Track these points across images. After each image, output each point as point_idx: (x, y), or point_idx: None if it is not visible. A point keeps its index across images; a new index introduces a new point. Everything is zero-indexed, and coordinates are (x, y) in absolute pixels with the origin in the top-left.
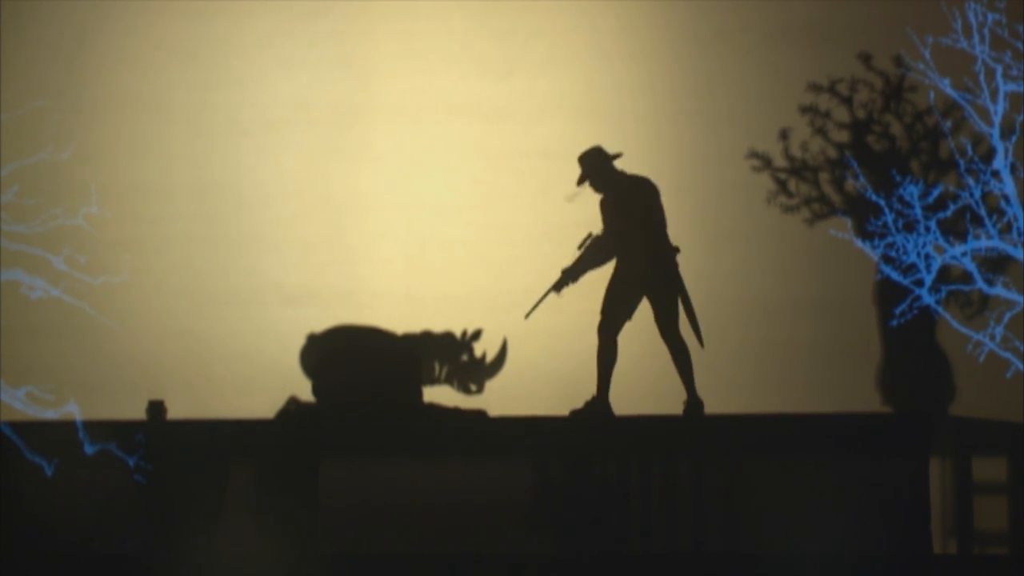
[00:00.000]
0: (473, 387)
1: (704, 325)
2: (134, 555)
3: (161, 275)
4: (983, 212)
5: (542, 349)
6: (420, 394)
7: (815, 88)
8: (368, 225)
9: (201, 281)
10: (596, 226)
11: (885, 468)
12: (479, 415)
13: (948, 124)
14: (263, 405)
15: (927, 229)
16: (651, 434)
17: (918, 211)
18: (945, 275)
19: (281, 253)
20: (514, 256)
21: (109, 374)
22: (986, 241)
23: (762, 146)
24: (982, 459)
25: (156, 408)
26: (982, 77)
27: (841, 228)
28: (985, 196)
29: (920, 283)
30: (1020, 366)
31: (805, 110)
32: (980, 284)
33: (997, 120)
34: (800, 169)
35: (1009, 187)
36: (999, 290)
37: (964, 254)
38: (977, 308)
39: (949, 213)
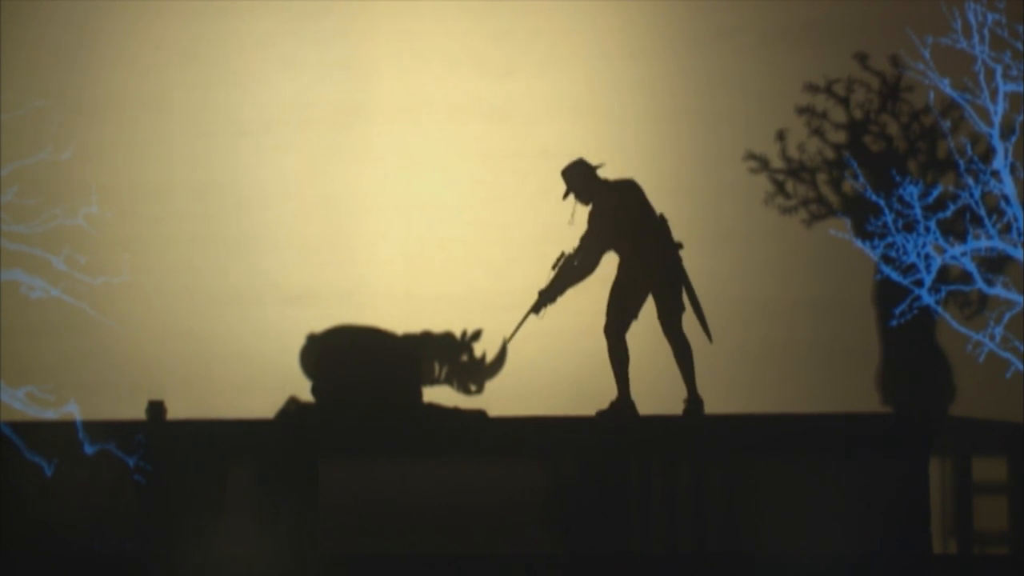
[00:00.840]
0: (473, 387)
1: None
2: (134, 555)
3: (161, 275)
4: (983, 212)
5: (542, 349)
6: (420, 394)
7: (812, 88)
8: (368, 225)
9: (201, 281)
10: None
11: (885, 468)
12: (479, 415)
13: (948, 124)
14: (263, 405)
15: (927, 229)
16: (651, 434)
17: (918, 211)
18: (945, 275)
19: (281, 253)
20: (514, 256)
21: (109, 374)
22: (986, 241)
23: (762, 146)
24: (982, 459)
25: (156, 408)
26: (982, 77)
27: (840, 228)
28: (985, 196)
29: (920, 283)
30: (1020, 366)
31: (802, 111)
32: (980, 284)
33: (997, 120)
34: (798, 170)
35: (1009, 187)
36: (999, 290)
37: (964, 254)
38: (977, 308)
39: (949, 213)
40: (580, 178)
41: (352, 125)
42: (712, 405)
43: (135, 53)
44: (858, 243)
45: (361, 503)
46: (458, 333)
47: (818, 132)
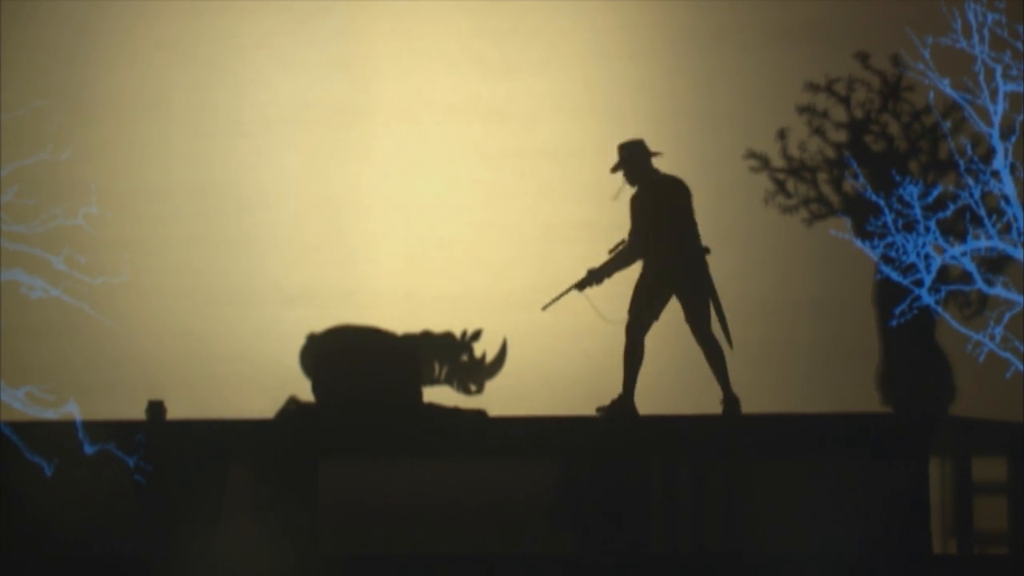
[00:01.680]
0: (473, 387)
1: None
2: (134, 555)
3: (161, 275)
4: (983, 212)
5: (542, 349)
6: (420, 394)
7: (813, 87)
8: (368, 225)
9: (201, 281)
10: (597, 227)
11: (885, 468)
12: (479, 415)
13: (948, 124)
14: (263, 405)
15: (927, 229)
16: (651, 435)
17: (918, 211)
18: (945, 275)
19: (281, 253)
20: (514, 256)
21: (109, 374)
22: (986, 241)
23: (762, 146)
24: (982, 459)
25: (156, 408)
26: (982, 77)
27: (840, 228)
28: (985, 196)
29: (920, 283)
30: (1020, 366)
31: (803, 110)
32: (980, 284)
33: (997, 120)
34: (798, 169)
35: (1009, 187)
36: (999, 290)
37: (964, 254)
38: (977, 308)
39: (949, 213)
40: (633, 158)
41: (352, 125)
42: (712, 405)
43: (135, 53)
44: (858, 243)
45: (361, 503)
46: (458, 333)
47: (819, 131)
